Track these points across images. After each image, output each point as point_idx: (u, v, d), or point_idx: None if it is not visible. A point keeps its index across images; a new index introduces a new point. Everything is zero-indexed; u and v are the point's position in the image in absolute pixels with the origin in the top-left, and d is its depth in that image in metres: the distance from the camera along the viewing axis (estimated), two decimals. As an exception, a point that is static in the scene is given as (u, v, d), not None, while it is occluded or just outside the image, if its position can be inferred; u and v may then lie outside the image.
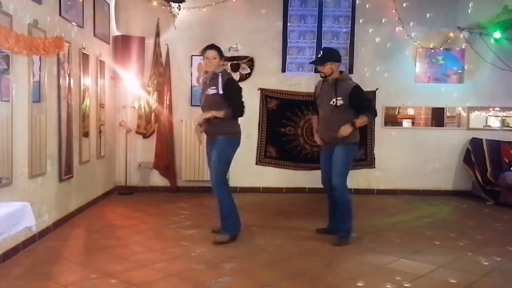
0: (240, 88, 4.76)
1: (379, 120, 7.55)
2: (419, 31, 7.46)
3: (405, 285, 3.55)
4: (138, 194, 7.11)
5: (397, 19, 7.23)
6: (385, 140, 7.59)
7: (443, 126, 8.05)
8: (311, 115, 4.95)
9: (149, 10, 7.14)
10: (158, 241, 4.65)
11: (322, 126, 4.66)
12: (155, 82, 7.24)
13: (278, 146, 7.53)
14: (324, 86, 4.64)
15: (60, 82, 4.93)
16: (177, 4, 6.93)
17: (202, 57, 4.71)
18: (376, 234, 5.04)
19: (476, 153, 7.35)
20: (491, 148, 7.36)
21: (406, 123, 8.43)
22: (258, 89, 7.41)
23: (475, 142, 7.46)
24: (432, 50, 7.51)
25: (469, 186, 7.57)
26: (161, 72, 7.24)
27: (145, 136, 7.35)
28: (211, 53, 4.58)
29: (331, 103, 4.55)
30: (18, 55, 3.95)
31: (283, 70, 7.50)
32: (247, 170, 7.44)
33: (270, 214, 6.03)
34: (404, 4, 7.31)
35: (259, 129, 7.48)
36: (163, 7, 7.05)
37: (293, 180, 7.52)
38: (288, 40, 7.47)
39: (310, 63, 5.23)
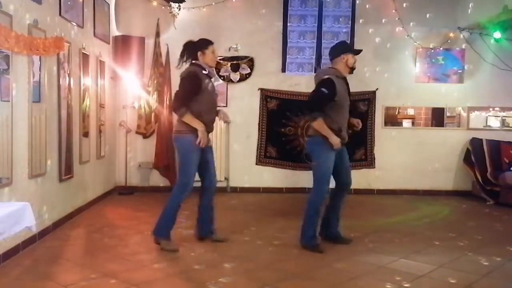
0: None
1: (379, 120, 7.57)
2: (419, 31, 7.46)
3: (405, 285, 3.55)
4: (138, 194, 7.11)
5: (397, 19, 7.24)
6: (385, 140, 7.59)
7: (443, 126, 8.05)
8: (319, 115, 4.20)
9: (149, 10, 7.14)
10: (158, 241, 4.65)
11: (343, 126, 4.36)
12: (155, 82, 7.25)
13: (278, 146, 7.53)
14: (342, 84, 4.33)
15: (60, 82, 4.93)
16: (177, 4, 6.93)
17: (205, 49, 4.36)
18: (376, 234, 5.04)
19: (476, 153, 7.35)
20: (491, 148, 7.36)
21: (406, 123, 8.43)
22: (258, 89, 7.41)
23: (475, 142, 7.45)
24: (432, 50, 7.51)
25: (469, 186, 7.57)
26: (161, 72, 7.24)
27: (145, 136, 7.36)
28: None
29: (348, 101, 4.43)
30: (18, 55, 3.94)
31: (283, 70, 7.50)
32: (247, 170, 7.45)
33: (270, 214, 6.03)
34: (404, 4, 7.32)
35: (259, 129, 7.48)
36: (163, 7, 7.05)
37: (293, 180, 7.51)
38: (288, 40, 7.47)
39: (358, 52, 4.44)
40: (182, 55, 4.44)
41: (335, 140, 4.21)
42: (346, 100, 4.37)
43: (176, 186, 4.46)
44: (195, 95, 4.21)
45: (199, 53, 4.35)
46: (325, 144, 4.23)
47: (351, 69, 4.42)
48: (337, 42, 4.58)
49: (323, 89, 4.18)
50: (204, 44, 4.40)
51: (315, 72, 7.43)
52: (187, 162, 4.30)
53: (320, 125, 4.20)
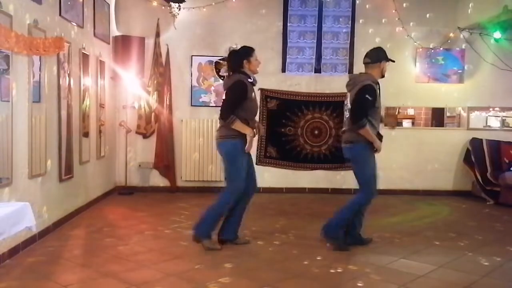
0: None
1: (379, 120, 7.57)
2: (419, 31, 7.47)
3: (405, 285, 3.55)
4: (138, 194, 7.11)
5: (397, 19, 7.25)
6: (385, 140, 7.45)
7: (443, 126, 8.05)
8: (366, 122, 4.27)
9: (149, 10, 7.15)
10: (158, 241, 4.66)
11: (378, 130, 4.50)
12: (155, 82, 7.25)
13: (278, 146, 7.53)
14: (377, 89, 4.44)
15: (60, 82, 4.93)
16: (177, 4, 6.94)
17: (250, 57, 4.40)
18: (376, 234, 5.04)
19: (476, 153, 7.35)
20: (491, 148, 7.36)
21: (406, 123, 8.42)
22: (258, 89, 7.38)
23: (475, 142, 7.46)
24: (432, 50, 7.52)
25: (469, 186, 7.57)
26: (161, 72, 7.24)
27: (145, 136, 7.36)
28: None
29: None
30: (18, 55, 3.94)
31: (283, 70, 7.51)
32: (247, 170, 7.44)
33: (270, 214, 6.02)
34: (404, 4, 7.32)
35: (259, 129, 7.48)
36: (163, 7, 7.05)
37: (293, 180, 7.52)
38: (288, 40, 7.47)
39: (392, 61, 4.62)
40: (230, 65, 4.47)
41: (379, 144, 4.39)
42: (380, 105, 4.49)
43: (226, 191, 4.41)
44: (242, 102, 4.28)
45: (245, 61, 4.39)
46: (368, 148, 4.37)
47: (383, 76, 4.52)
48: (375, 47, 4.62)
49: (367, 96, 4.26)
50: (249, 51, 4.44)
51: (315, 72, 7.49)
52: (238, 166, 4.35)
53: (367, 131, 4.29)
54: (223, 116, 4.28)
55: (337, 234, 4.42)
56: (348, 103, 4.43)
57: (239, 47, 7.11)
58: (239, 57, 4.42)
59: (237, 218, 4.54)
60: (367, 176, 4.42)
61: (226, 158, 4.40)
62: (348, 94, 4.46)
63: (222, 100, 4.41)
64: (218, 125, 4.48)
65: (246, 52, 4.43)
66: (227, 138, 4.32)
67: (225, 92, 4.42)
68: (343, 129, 4.57)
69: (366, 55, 4.54)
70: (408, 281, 3.62)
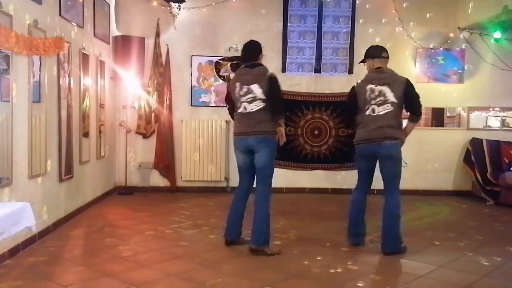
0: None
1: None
2: (419, 31, 7.47)
3: (405, 285, 3.55)
4: (138, 194, 7.11)
5: (397, 19, 7.25)
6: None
7: (443, 126, 8.05)
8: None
9: (149, 10, 7.15)
10: (158, 241, 4.65)
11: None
12: (155, 82, 7.25)
13: (278, 146, 7.51)
14: None
15: (60, 82, 4.93)
16: (177, 4, 6.94)
17: (262, 54, 4.54)
18: (376, 234, 5.02)
19: (476, 153, 7.35)
20: (491, 148, 7.36)
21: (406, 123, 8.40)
22: (258, 89, 7.40)
23: (475, 142, 7.46)
24: (432, 50, 7.52)
25: (469, 186, 7.57)
26: (161, 72, 7.24)
27: (145, 136, 7.36)
28: None
29: None
30: (18, 55, 3.94)
31: (283, 70, 7.50)
32: (247, 170, 7.43)
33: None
34: (404, 4, 7.32)
35: (259, 129, 7.47)
36: (163, 7, 7.05)
37: (293, 180, 7.51)
38: (288, 40, 7.47)
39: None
40: (249, 55, 4.53)
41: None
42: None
43: (265, 190, 4.28)
44: None
45: (261, 55, 4.48)
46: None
47: None
48: (379, 45, 4.62)
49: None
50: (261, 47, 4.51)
51: (315, 72, 7.48)
52: (273, 162, 4.38)
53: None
54: (279, 111, 4.33)
55: (400, 246, 4.29)
56: (382, 97, 4.33)
57: (239, 47, 7.13)
58: (259, 49, 4.45)
59: (240, 218, 4.52)
60: (400, 173, 4.38)
61: (269, 154, 4.30)
62: (381, 88, 4.36)
63: (273, 95, 4.32)
64: (259, 118, 4.27)
65: (260, 47, 4.51)
66: (272, 134, 4.34)
67: (257, 84, 4.35)
68: (379, 124, 4.32)
69: (384, 50, 4.48)
70: (408, 281, 3.62)
